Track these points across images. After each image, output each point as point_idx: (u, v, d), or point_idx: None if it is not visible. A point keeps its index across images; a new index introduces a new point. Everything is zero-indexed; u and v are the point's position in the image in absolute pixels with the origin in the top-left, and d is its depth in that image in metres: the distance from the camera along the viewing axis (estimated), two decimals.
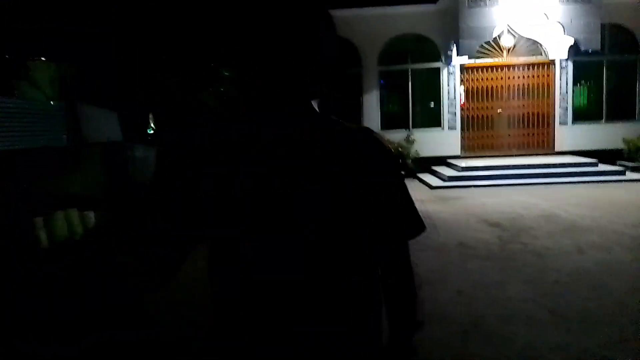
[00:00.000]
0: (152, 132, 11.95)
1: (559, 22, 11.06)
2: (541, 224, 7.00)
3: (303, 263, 1.02)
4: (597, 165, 11.23)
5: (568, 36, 11.16)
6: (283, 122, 1.03)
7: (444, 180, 11.13)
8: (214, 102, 12.09)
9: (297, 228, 1.01)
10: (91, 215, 7.83)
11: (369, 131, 1.11)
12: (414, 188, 10.91)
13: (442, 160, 12.67)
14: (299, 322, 1.02)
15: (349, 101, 12.84)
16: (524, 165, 11.29)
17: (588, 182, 10.53)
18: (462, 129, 12.81)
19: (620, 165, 11.77)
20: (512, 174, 10.98)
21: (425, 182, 11.37)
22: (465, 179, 10.99)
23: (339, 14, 12.24)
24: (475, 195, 9.65)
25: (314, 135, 1.04)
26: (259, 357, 1.03)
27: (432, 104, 12.93)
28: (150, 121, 12.01)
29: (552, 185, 10.39)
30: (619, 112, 12.64)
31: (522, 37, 12.35)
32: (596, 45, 11.05)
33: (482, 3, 11.08)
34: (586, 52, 11.89)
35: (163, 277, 1.05)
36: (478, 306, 4.18)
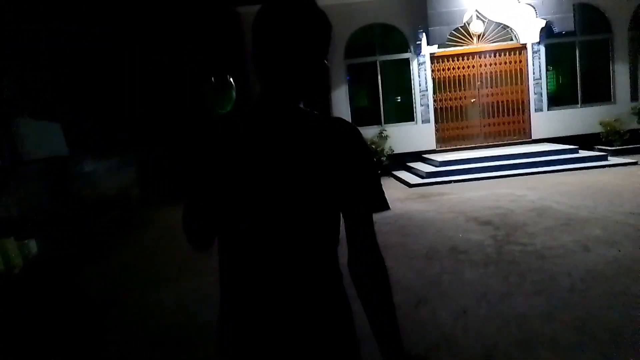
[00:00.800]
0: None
1: (530, 4, 10.57)
2: (535, 219, 6.41)
3: (311, 228, 1.23)
4: (577, 152, 10.81)
5: (540, 18, 10.68)
6: (286, 114, 1.24)
7: (422, 177, 10.51)
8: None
9: (305, 198, 1.20)
10: (32, 244, 6.90)
11: (349, 125, 1.27)
12: (391, 187, 10.27)
13: (418, 156, 12.07)
14: (292, 284, 1.22)
15: (316, 97, 12.10)
16: (503, 155, 10.78)
17: (570, 169, 10.09)
18: (436, 121, 12.23)
19: (598, 149, 11.40)
20: (491, 166, 10.46)
21: (402, 179, 10.73)
22: (444, 174, 10.41)
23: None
24: (458, 191, 9.06)
25: (308, 127, 1.23)
26: (264, 313, 1.22)
27: (403, 97, 12.31)
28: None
29: (534, 175, 9.90)
30: (594, 94, 12.29)
31: (492, 21, 11.86)
32: (569, 25, 10.62)
33: None
34: (560, 34, 11.47)
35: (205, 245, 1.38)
36: (489, 329, 3.50)
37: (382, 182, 1.35)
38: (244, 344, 1.24)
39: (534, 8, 10.57)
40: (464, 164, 10.69)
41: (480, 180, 9.92)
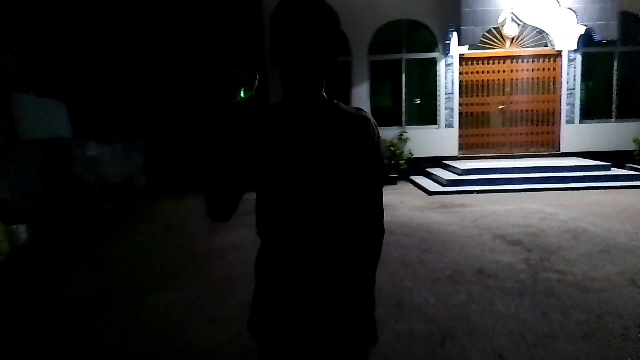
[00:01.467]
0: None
1: (571, 8, 9.89)
2: (571, 242, 5.80)
3: (333, 201, 1.41)
4: (610, 169, 10.14)
5: (581, 24, 9.99)
6: (313, 107, 1.41)
7: (442, 184, 9.91)
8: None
9: (329, 176, 1.40)
10: (21, 230, 6.44)
11: (365, 114, 1.48)
12: (408, 193, 9.70)
13: (438, 161, 11.47)
14: (328, 249, 1.43)
15: (336, 92, 11.53)
16: (530, 167, 10.14)
17: (602, 187, 9.43)
18: (460, 126, 11.60)
19: (631, 168, 10.71)
20: (517, 178, 9.82)
21: (421, 186, 10.14)
22: (466, 183, 9.80)
23: None
24: (481, 202, 8.45)
25: (332, 115, 1.42)
26: (300, 282, 1.42)
27: (427, 99, 11.69)
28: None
29: (564, 192, 9.26)
30: (629, 109, 11.57)
31: (527, 25, 11.19)
32: (612, 34, 9.93)
33: None
34: (598, 43, 10.75)
35: (228, 213, 1.47)
36: None
37: (399, 187, 4.70)
38: (285, 300, 1.43)
39: (575, 13, 9.88)
40: (487, 173, 10.06)
41: (505, 193, 9.30)
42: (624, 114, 11.54)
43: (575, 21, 9.99)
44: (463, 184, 9.77)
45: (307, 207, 1.41)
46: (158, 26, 10.95)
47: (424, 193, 9.64)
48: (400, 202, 8.77)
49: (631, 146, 11.23)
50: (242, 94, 1.39)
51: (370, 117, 1.49)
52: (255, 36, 11.01)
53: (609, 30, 9.90)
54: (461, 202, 8.52)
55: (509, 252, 5.50)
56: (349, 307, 1.46)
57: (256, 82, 1.41)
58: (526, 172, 10.06)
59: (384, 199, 1.62)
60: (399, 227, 6.81)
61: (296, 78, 1.40)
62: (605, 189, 9.37)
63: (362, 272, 1.54)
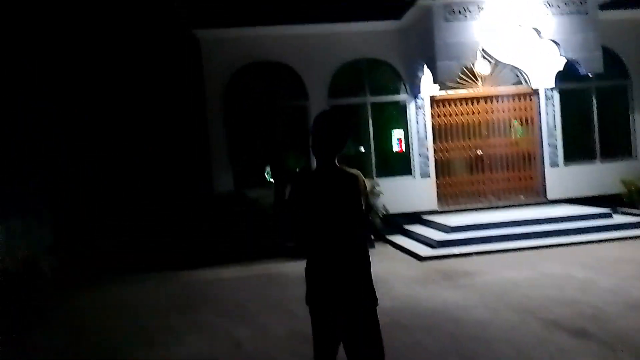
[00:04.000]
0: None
1: (553, 40, 8.91)
2: None
3: (344, 223, 2.55)
4: (611, 217, 8.96)
5: (564, 57, 9.01)
6: (329, 170, 2.61)
7: (432, 246, 8.28)
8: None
9: (341, 210, 2.55)
10: None
11: (357, 172, 2.66)
12: (394, 259, 8.04)
13: (416, 217, 9.90)
14: (345, 250, 2.55)
15: (294, 142, 9.89)
16: (525, 221, 8.77)
17: (611, 239, 8.15)
18: (437, 175, 10.19)
19: (623, 212, 9.62)
20: (514, 234, 8.39)
21: (406, 249, 8.47)
22: (459, 243, 8.24)
23: (273, 32, 9.46)
24: (488, 268, 6.87)
25: (339, 174, 2.60)
26: (328, 270, 2.56)
27: (402, 147, 10.25)
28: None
29: (572, 247, 7.90)
30: (613, 149, 10.67)
31: (500, 62, 10.16)
32: (598, 66, 9.00)
33: (461, 16, 8.71)
34: (576, 79, 9.87)
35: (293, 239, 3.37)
36: None
37: (380, 251, 7.51)
38: (321, 282, 2.60)
39: (558, 45, 8.89)
40: (479, 229, 8.57)
41: (507, 253, 7.79)
42: (609, 154, 10.60)
43: (559, 53, 8.98)
44: (456, 244, 8.20)
45: (327, 225, 2.58)
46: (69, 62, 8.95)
47: (412, 258, 7.95)
48: (390, 273, 7.01)
49: (618, 188, 10.20)
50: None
51: (360, 174, 2.68)
52: (196, 97, 9.35)
53: (594, 63, 8.97)
54: (465, 270, 6.88)
55: (588, 353, 3.83)
56: (356, 284, 2.58)
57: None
58: (522, 226, 8.66)
59: None
60: (408, 317, 5.02)
61: (319, 158, 2.65)
62: (615, 240, 8.10)
63: (362, 262, 2.61)
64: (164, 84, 9.22)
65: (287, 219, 2.65)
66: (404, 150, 10.27)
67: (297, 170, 2.88)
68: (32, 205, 7.47)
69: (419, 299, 5.68)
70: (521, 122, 10.52)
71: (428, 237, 8.55)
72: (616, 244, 7.88)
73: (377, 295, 2.61)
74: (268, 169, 2.98)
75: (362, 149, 10.40)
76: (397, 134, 10.30)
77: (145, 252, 8.50)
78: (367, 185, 2.69)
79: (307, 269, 2.63)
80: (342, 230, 2.54)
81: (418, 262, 7.70)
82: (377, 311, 2.63)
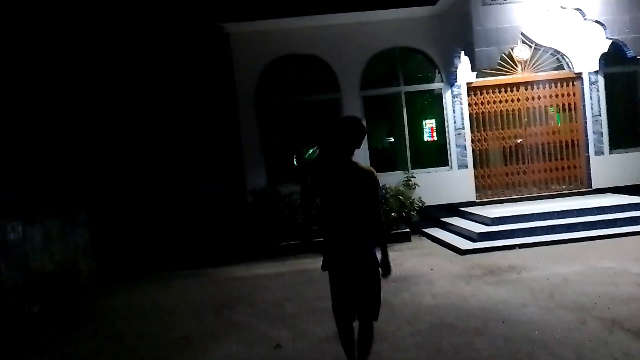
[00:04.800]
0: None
1: (598, 21, 8.42)
2: None
3: (355, 208, 3.23)
4: None
5: (610, 38, 8.52)
6: (346, 164, 3.24)
7: (472, 239, 7.98)
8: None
9: (353, 197, 3.22)
10: None
11: (371, 169, 3.30)
12: (432, 253, 7.77)
13: (453, 209, 9.60)
14: (353, 230, 3.24)
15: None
16: (569, 211, 8.35)
17: None
18: (475, 166, 9.83)
19: None
20: (559, 225, 8.01)
21: (445, 242, 8.19)
22: (501, 235, 7.91)
23: (302, 24, 9.25)
24: (534, 262, 6.54)
25: (354, 169, 3.23)
26: (339, 245, 3.27)
27: (434, 136, 9.93)
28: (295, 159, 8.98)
29: (621, 238, 7.52)
30: None
31: (540, 46, 9.71)
32: None
33: None
34: (622, 62, 9.38)
35: (310, 214, 3.75)
36: None
37: (416, 245, 8.12)
38: (334, 253, 3.29)
39: (604, 26, 8.40)
40: (522, 221, 8.22)
41: (552, 245, 7.45)
42: None
43: (604, 35, 8.49)
44: (498, 236, 7.88)
45: (343, 211, 3.24)
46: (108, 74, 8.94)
47: (453, 252, 7.67)
48: (430, 268, 6.76)
49: None
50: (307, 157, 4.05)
51: (373, 169, 3.31)
52: (227, 93, 9.22)
53: None
54: (510, 264, 6.57)
55: None
56: (364, 256, 3.26)
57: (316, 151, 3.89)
58: (566, 217, 8.26)
59: (406, 264, 5.93)
60: (454, 316, 4.77)
61: (339, 154, 3.26)
62: None
63: (369, 241, 3.29)
64: (194, 81, 9.10)
65: (306, 202, 3.46)
66: (435, 139, 9.96)
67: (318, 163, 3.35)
68: (67, 205, 7.49)
69: (463, 296, 5.42)
70: (559, 108, 10.04)
71: (468, 230, 8.25)
72: None
73: (391, 267, 3.39)
74: (295, 155, 3.68)
75: (392, 139, 10.15)
76: (429, 122, 10.00)
77: (179, 251, 8.46)
78: (377, 177, 3.30)
79: (324, 243, 3.38)
80: (354, 214, 3.24)
81: (458, 256, 7.43)
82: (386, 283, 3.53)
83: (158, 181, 8.94)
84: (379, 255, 3.33)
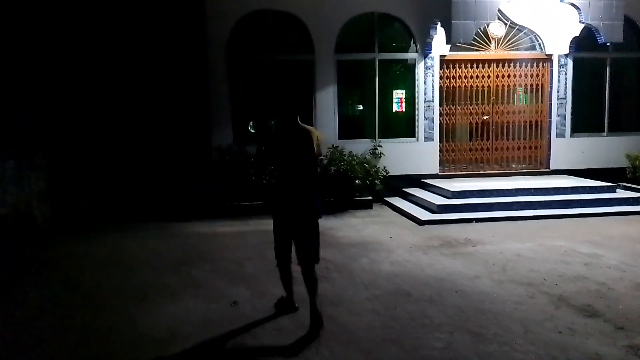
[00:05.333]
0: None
1: (574, 4, 8.51)
2: None
3: (299, 169, 3.72)
4: (615, 191, 8.84)
5: (583, 23, 8.64)
6: (293, 127, 3.77)
7: (432, 210, 8.15)
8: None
9: (297, 157, 3.72)
10: None
11: (312, 129, 3.84)
12: (393, 222, 7.89)
13: (415, 181, 9.75)
14: (296, 189, 3.73)
15: (299, 98, 9.56)
16: (528, 190, 8.62)
17: (612, 213, 8.10)
18: (441, 139, 9.95)
19: (624, 187, 9.49)
20: (516, 202, 8.28)
21: (406, 212, 8.33)
22: (460, 209, 8.12)
23: None
24: (490, 237, 6.75)
25: (298, 130, 3.75)
26: (283, 206, 3.82)
27: (404, 107, 9.95)
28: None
29: (574, 219, 7.83)
30: (621, 123, 10.46)
31: (515, 25, 9.77)
32: (618, 36, 8.65)
33: None
34: (592, 47, 9.58)
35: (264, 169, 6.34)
36: None
37: (378, 213, 8.46)
38: (278, 199, 3.84)
39: (579, 10, 8.50)
40: (482, 196, 8.44)
41: (507, 221, 7.70)
42: (616, 128, 10.40)
43: (578, 19, 8.61)
44: (457, 210, 8.08)
45: (289, 165, 3.73)
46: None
47: (412, 222, 7.82)
48: (390, 237, 6.89)
49: (623, 163, 10.05)
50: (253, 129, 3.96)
51: (314, 130, 3.83)
52: (198, 45, 8.89)
53: (614, 32, 8.62)
54: (467, 237, 6.76)
55: (597, 333, 3.73)
56: (302, 204, 3.72)
57: (251, 126, 3.97)
58: (524, 195, 8.53)
59: (366, 230, 6.94)
60: (410, 284, 4.90)
61: (285, 118, 3.79)
62: (618, 215, 8.03)
63: (309, 191, 3.73)
64: (166, 29, 8.74)
65: (259, 164, 4.57)
66: (404, 110, 9.98)
67: (271, 125, 3.88)
68: (24, 147, 7.18)
69: (420, 265, 5.56)
70: (527, 89, 10.22)
71: (428, 201, 8.41)
72: (620, 218, 7.79)
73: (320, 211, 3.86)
74: (251, 123, 3.86)
75: (361, 107, 10.13)
76: (399, 93, 10.00)
77: (140, 203, 8.31)
78: (319, 138, 3.84)
79: (271, 193, 4.07)
80: (297, 168, 3.73)
81: (418, 226, 7.58)
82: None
83: (123, 129, 8.66)
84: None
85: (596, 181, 9.08)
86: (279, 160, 3.81)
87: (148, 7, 8.69)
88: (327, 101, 9.55)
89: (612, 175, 9.69)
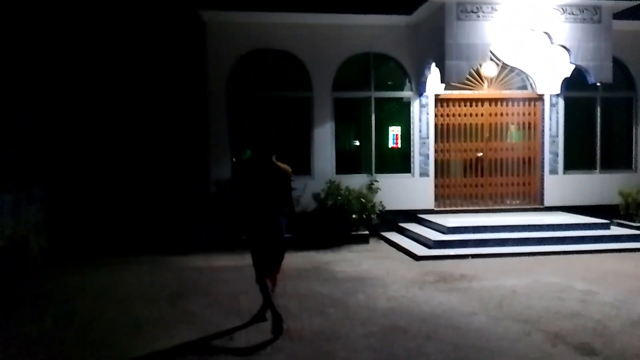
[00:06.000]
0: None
1: (564, 46, 8.80)
2: None
3: (273, 199, 4.70)
4: (609, 228, 8.92)
5: (574, 64, 8.91)
6: (267, 163, 4.71)
7: (428, 246, 8.19)
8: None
9: (271, 191, 4.68)
10: None
11: (287, 167, 4.80)
12: (389, 257, 7.92)
13: (411, 215, 9.81)
14: (270, 212, 4.70)
15: (296, 133, 9.73)
16: (522, 226, 8.71)
17: (607, 250, 8.17)
18: (436, 175, 10.07)
19: (618, 224, 9.59)
20: (511, 239, 8.35)
21: (402, 247, 8.37)
22: (455, 244, 8.16)
23: (280, 20, 9.25)
24: (485, 273, 6.78)
25: (273, 168, 4.71)
26: (259, 226, 4.74)
27: (400, 143, 10.11)
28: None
29: (568, 256, 7.90)
30: (613, 160, 10.64)
31: (507, 65, 10.05)
32: (607, 76, 8.90)
33: (474, 15, 8.55)
34: (583, 87, 9.80)
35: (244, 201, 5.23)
36: None
37: (374, 248, 8.63)
38: (253, 232, 4.76)
39: (569, 51, 8.78)
40: (477, 232, 8.50)
41: (502, 258, 7.74)
42: (609, 165, 10.57)
43: (568, 60, 8.87)
44: (452, 245, 8.12)
45: (261, 196, 4.65)
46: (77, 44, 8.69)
47: (409, 257, 7.85)
48: (387, 272, 6.90)
49: (616, 200, 10.17)
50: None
51: (288, 168, 4.78)
52: (199, 82, 9.14)
53: (604, 72, 8.88)
54: (462, 273, 6.79)
55: None
56: (275, 232, 4.71)
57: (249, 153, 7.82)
58: (518, 231, 8.61)
59: (363, 265, 7.13)
60: (406, 320, 4.91)
61: (261, 156, 4.75)
62: (612, 252, 8.10)
63: (280, 224, 4.74)
64: (168, 68, 9.00)
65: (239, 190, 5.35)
66: (399, 146, 10.14)
67: (247, 161, 5.18)
68: (22, 180, 7.24)
69: (416, 301, 5.57)
70: (519, 126, 10.43)
71: (424, 237, 8.46)
72: (614, 255, 7.86)
73: (284, 251, 4.89)
74: (248, 151, 4.77)
75: (357, 143, 10.29)
76: (394, 129, 10.18)
77: (137, 237, 8.32)
78: (291, 173, 4.82)
79: (247, 222, 4.82)
80: (268, 198, 4.64)
81: (414, 261, 7.61)
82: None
83: (121, 163, 8.77)
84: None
85: (590, 218, 9.18)
86: (260, 189, 4.67)
87: (152, 45, 8.94)
88: (324, 137, 9.70)
89: (605, 212, 9.79)
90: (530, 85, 10.27)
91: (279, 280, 5.04)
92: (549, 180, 10.32)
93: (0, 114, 7.58)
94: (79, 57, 8.81)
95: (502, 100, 10.22)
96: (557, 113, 10.29)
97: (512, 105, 10.26)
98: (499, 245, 8.18)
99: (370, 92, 9.93)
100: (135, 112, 8.99)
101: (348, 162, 9.96)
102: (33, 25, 8.27)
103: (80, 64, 8.81)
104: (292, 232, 8.62)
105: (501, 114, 10.26)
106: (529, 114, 10.36)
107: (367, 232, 9.11)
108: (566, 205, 10.22)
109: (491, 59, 9.77)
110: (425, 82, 9.67)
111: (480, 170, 10.29)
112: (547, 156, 10.29)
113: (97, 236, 8.17)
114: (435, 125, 10.03)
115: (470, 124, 10.18)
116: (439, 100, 10.03)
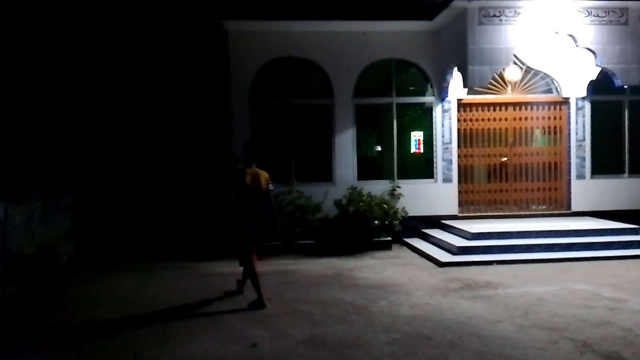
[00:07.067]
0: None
1: (590, 49, 8.65)
2: None
3: (256, 201, 5.82)
4: (637, 233, 8.68)
5: (600, 66, 8.75)
6: (249, 170, 5.87)
7: (452, 252, 8.12)
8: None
9: (255, 193, 5.80)
10: None
11: (264, 173, 5.93)
12: (412, 264, 7.85)
13: (434, 222, 9.74)
14: (253, 214, 5.80)
15: (317, 140, 9.78)
16: (549, 232, 8.56)
17: (634, 256, 7.93)
18: (459, 181, 9.99)
19: None
20: (537, 245, 8.20)
21: (425, 253, 8.31)
22: (480, 250, 8.06)
23: (302, 28, 9.32)
24: (511, 280, 6.68)
25: (256, 173, 5.86)
26: (245, 229, 5.83)
27: (422, 149, 10.07)
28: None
29: (596, 262, 7.71)
30: None
31: (531, 69, 9.93)
32: (635, 78, 8.71)
33: (497, 19, 8.49)
34: (609, 90, 9.62)
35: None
36: None
37: (397, 254, 8.55)
38: (239, 226, 5.84)
39: (595, 54, 8.63)
40: (502, 238, 8.39)
41: (529, 264, 7.62)
42: (637, 169, 10.32)
43: (594, 63, 8.72)
44: (477, 251, 8.03)
45: (247, 201, 5.78)
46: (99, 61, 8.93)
47: (432, 264, 7.79)
48: (410, 279, 6.86)
49: None
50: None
51: (266, 174, 5.91)
52: (222, 91, 9.29)
53: (631, 75, 8.69)
54: (487, 280, 6.70)
55: None
56: (255, 227, 5.83)
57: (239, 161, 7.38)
58: (545, 237, 8.46)
59: (385, 272, 7.16)
60: (430, 328, 4.87)
61: (246, 163, 5.92)
62: (638, 258, 7.88)
63: (264, 219, 5.86)
64: (191, 77, 9.16)
65: (232, 195, 5.94)
66: (422, 151, 10.10)
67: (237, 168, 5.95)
68: (52, 187, 7.44)
69: (440, 308, 5.52)
70: (544, 131, 10.27)
71: (448, 243, 8.38)
72: (636, 261, 7.65)
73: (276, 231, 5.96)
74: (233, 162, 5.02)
75: (379, 149, 10.27)
76: (417, 135, 10.15)
77: (164, 242, 8.47)
78: (269, 177, 5.86)
79: (233, 219, 5.82)
80: (254, 201, 5.73)
81: (437, 267, 7.54)
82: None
83: (148, 172, 8.95)
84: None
85: (618, 223, 8.97)
86: (240, 195, 5.73)
87: (176, 56, 9.12)
88: (345, 143, 9.72)
89: (634, 217, 9.54)
90: (556, 88, 10.12)
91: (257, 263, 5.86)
92: (576, 185, 10.14)
93: (31, 123, 7.81)
94: (108, 68, 9.03)
95: (526, 104, 10.09)
96: (584, 117, 10.11)
97: (537, 109, 10.12)
98: (524, 252, 8.06)
99: (391, 98, 9.92)
100: (162, 121, 9.17)
101: (370, 168, 9.96)
102: (69, 36, 8.54)
103: (110, 74, 9.04)
104: (314, 239, 8.71)
105: (525, 118, 10.13)
106: (555, 117, 10.21)
107: (389, 239, 9.08)
108: (594, 210, 10.02)
109: (515, 63, 9.68)
110: (448, 87, 9.61)
111: (505, 175, 10.16)
112: (573, 161, 10.11)
113: (123, 242, 8.32)
114: (458, 130, 9.96)
115: (494, 129, 10.08)
116: (462, 105, 9.96)
